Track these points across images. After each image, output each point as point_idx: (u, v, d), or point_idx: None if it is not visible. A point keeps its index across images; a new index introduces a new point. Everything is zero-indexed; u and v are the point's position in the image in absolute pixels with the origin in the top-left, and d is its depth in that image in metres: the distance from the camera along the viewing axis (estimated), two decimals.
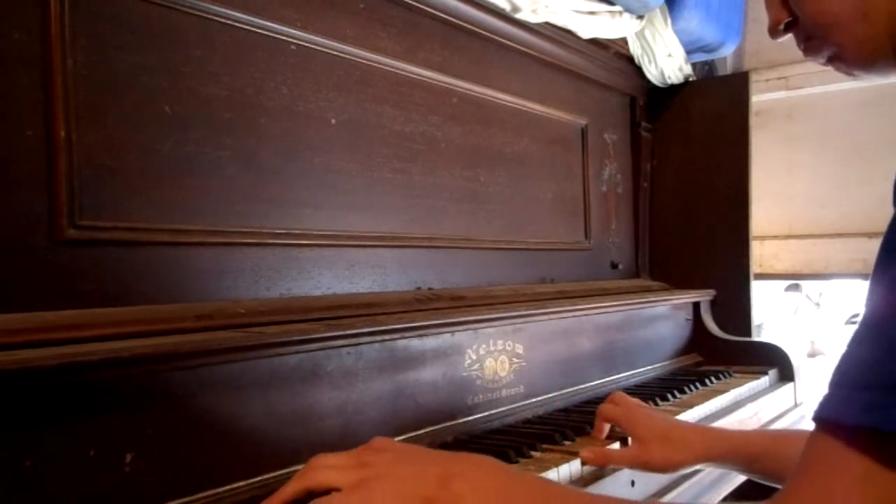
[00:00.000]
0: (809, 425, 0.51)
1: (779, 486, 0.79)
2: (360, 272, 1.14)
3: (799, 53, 0.66)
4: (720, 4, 1.86)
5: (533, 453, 0.98)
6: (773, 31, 0.66)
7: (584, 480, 0.94)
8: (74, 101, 0.80)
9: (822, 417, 0.48)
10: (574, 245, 1.69)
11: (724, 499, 1.28)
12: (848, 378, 0.47)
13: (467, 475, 0.61)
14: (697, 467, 0.97)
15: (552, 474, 0.91)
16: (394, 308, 1.06)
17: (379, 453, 0.65)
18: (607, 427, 1.06)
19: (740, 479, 1.30)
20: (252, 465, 0.79)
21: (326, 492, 0.63)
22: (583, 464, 0.95)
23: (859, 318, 0.48)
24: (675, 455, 0.90)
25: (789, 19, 0.64)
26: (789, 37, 0.67)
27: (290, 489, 0.65)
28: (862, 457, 0.45)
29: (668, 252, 1.95)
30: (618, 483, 0.97)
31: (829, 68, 0.65)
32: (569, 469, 0.94)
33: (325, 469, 0.64)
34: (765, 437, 0.95)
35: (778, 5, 0.64)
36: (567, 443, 1.04)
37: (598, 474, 0.96)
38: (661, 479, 1.07)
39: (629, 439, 0.97)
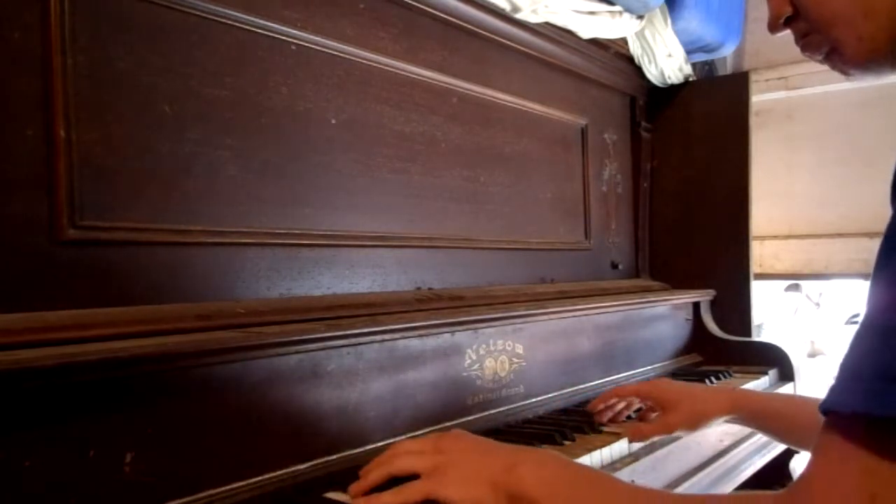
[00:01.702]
0: None
1: (790, 447, 1.05)
2: (360, 272, 1.14)
3: (799, 53, 0.66)
4: (720, 4, 1.86)
5: None
6: (773, 26, 0.67)
7: None
8: (74, 101, 0.80)
9: (825, 408, 0.50)
10: (574, 245, 1.69)
11: None
12: (848, 370, 0.49)
13: (529, 463, 0.68)
14: (718, 427, 1.05)
15: None
16: (394, 308, 1.06)
17: (454, 440, 0.74)
18: (620, 405, 1.13)
19: (743, 476, 1.30)
20: (252, 464, 0.79)
21: (407, 477, 0.71)
22: (630, 441, 1.04)
23: (862, 315, 0.50)
24: (701, 410, 1.00)
25: (790, 14, 0.64)
26: (790, 36, 0.67)
27: (376, 475, 0.73)
28: (861, 444, 0.47)
29: (668, 252, 1.95)
30: None
31: (829, 68, 0.65)
32: None
33: (405, 455, 0.73)
34: (780, 399, 1.05)
35: None
36: (567, 443, 1.04)
37: None
38: (662, 479, 1.07)
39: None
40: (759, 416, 0.98)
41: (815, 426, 0.52)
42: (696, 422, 0.99)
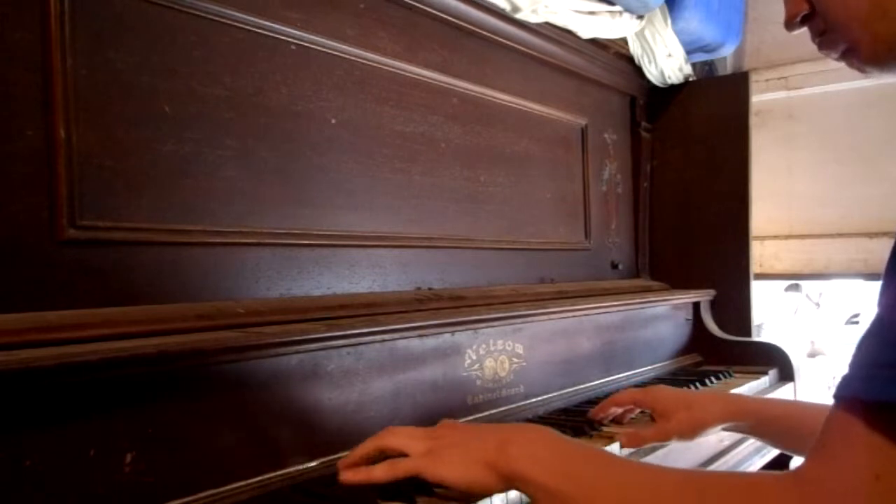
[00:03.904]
0: None
1: (789, 453, 1.01)
2: (360, 272, 1.14)
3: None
4: (720, 4, 1.86)
5: None
6: (789, 24, 0.67)
7: None
8: (74, 101, 0.80)
9: (840, 394, 0.52)
10: (574, 245, 1.69)
11: None
12: (861, 361, 0.51)
13: (522, 441, 0.68)
14: (717, 433, 1.04)
15: None
16: (394, 308, 1.06)
17: (447, 429, 0.75)
18: (615, 411, 1.12)
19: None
20: (252, 464, 0.79)
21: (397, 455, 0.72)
22: (621, 446, 1.01)
23: (875, 310, 0.52)
24: (699, 418, 0.98)
25: (806, 12, 0.64)
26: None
27: (366, 448, 0.75)
28: (869, 427, 0.49)
29: (668, 252, 1.95)
30: None
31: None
32: None
33: (398, 435, 0.74)
34: (780, 405, 1.03)
35: None
36: None
37: None
38: None
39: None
40: (759, 423, 0.97)
41: (816, 432, 0.54)
42: (693, 430, 0.98)
